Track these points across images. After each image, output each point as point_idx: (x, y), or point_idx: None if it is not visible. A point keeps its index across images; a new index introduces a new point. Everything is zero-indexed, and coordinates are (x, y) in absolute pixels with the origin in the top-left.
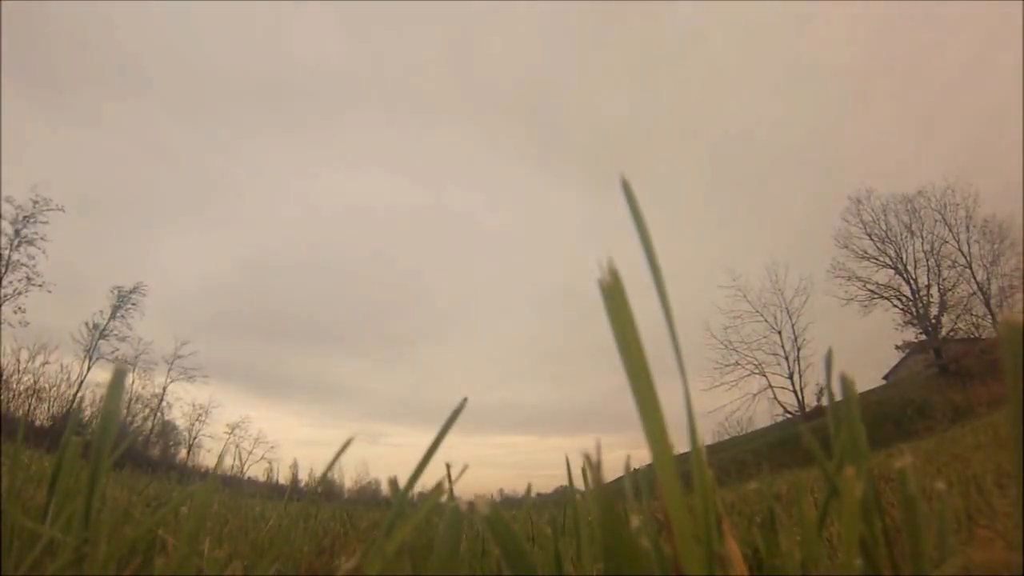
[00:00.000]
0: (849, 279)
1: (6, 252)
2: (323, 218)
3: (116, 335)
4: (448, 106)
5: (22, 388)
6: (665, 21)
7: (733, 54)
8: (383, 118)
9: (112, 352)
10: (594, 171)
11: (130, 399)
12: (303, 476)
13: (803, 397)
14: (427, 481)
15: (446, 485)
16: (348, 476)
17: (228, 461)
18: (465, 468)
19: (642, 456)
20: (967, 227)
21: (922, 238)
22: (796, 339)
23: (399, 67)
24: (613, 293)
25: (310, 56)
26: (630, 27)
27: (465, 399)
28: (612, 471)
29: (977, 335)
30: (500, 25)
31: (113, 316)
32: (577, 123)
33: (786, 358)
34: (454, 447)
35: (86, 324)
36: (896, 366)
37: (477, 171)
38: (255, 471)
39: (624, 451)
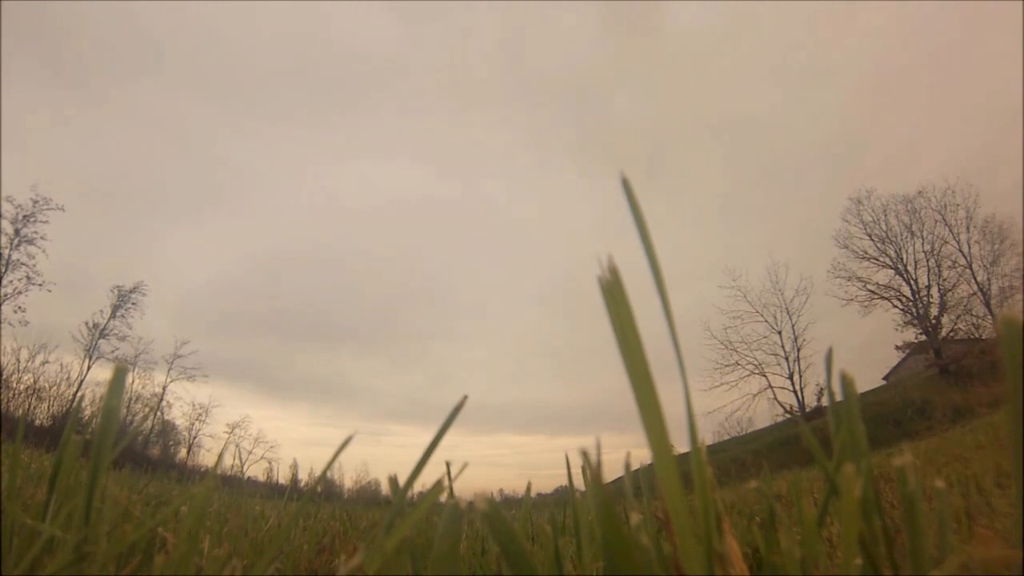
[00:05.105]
0: (849, 279)
1: (6, 251)
2: (337, 213)
3: (116, 334)
4: (474, 100)
5: (22, 387)
6: (680, 28)
7: (739, 57)
8: (401, 110)
9: (112, 351)
10: (613, 169)
11: (130, 399)
12: (305, 476)
13: (803, 397)
14: (429, 481)
15: (445, 483)
16: (348, 476)
17: (228, 460)
18: (464, 467)
19: (643, 455)
20: (967, 227)
21: (922, 238)
22: (796, 339)
23: (426, 58)
24: (613, 291)
25: (338, 42)
26: (656, 31)
27: (465, 397)
28: (616, 470)
29: (977, 335)
30: (541, 22)
31: (113, 315)
32: (605, 121)
33: (786, 358)
34: (460, 447)
35: (86, 323)
36: (896, 366)
37: (497, 167)
38: (255, 471)
39: (630, 450)
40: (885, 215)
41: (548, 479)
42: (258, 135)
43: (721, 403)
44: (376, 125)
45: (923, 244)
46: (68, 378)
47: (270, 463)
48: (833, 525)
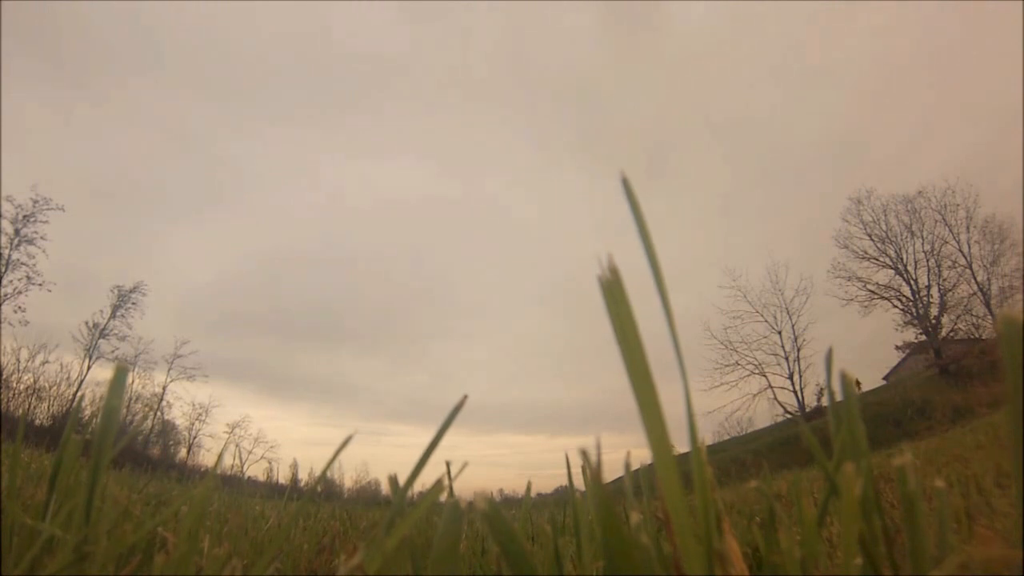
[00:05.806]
0: (849, 279)
1: (6, 251)
2: (338, 212)
3: (116, 334)
4: (475, 100)
5: (22, 387)
6: (680, 28)
7: (739, 57)
8: (401, 110)
9: (112, 351)
10: (613, 169)
11: (130, 399)
12: (305, 476)
13: (803, 397)
14: (429, 480)
15: (445, 483)
16: (348, 476)
17: (228, 460)
18: (464, 467)
19: (643, 455)
20: (967, 227)
21: (922, 238)
22: (796, 339)
23: (427, 58)
24: (613, 291)
25: (339, 42)
26: (657, 31)
27: (465, 397)
28: (616, 470)
29: (977, 335)
30: (541, 22)
31: (113, 315)
32: (606, 121)
33: (786, 358)
34: (460, 447)
35: (86, 323)
36: (896, 366)
37: (498, 167)
38: (255, 471)
39: (630, 450)
40: (885, 215)
41: (548, 479)
42: (258, 135)
43: (721, 403)
44: (376, 125)
45: (923, 244)
46: (68, 378)
47: (270, 463)
48: (833, 525)
